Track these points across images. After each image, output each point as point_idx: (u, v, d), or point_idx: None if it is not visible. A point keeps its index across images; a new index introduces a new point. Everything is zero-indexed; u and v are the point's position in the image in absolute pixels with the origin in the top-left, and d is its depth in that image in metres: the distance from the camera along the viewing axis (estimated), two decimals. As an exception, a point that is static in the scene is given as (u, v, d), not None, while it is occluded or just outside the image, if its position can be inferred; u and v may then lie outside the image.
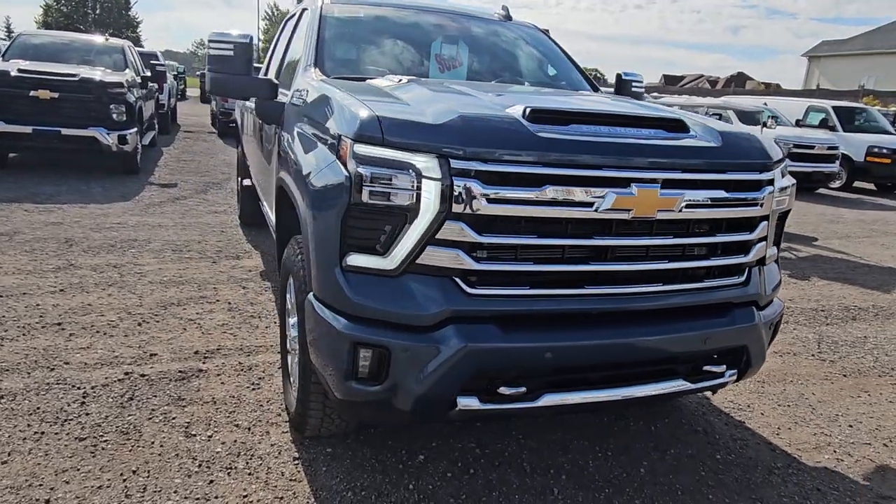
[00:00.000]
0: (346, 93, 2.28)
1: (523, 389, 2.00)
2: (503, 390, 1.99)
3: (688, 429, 2.96)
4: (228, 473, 2.38)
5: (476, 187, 1.85)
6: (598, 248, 2.01)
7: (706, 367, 2.25)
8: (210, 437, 2.61)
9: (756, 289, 2.34)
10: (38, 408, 2.72)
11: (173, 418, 2.73)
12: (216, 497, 2.25)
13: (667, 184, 2.02)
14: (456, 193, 1.85)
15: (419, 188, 1.86)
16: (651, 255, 2.10)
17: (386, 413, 2.11)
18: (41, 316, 3.69)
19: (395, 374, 1.94)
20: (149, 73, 10.20)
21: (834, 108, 13.99)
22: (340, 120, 2.06)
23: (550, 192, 1.90)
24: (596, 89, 3.62)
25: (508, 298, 1.97)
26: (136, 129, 8.52)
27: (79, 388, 2.90)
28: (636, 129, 2.12)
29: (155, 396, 2.89)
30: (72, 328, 3.56)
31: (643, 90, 3.91)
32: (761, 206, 2.23)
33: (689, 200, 2.05)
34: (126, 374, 3.08)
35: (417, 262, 1.92)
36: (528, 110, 2.04)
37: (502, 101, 2.21)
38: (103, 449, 2.48)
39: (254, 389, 3.03)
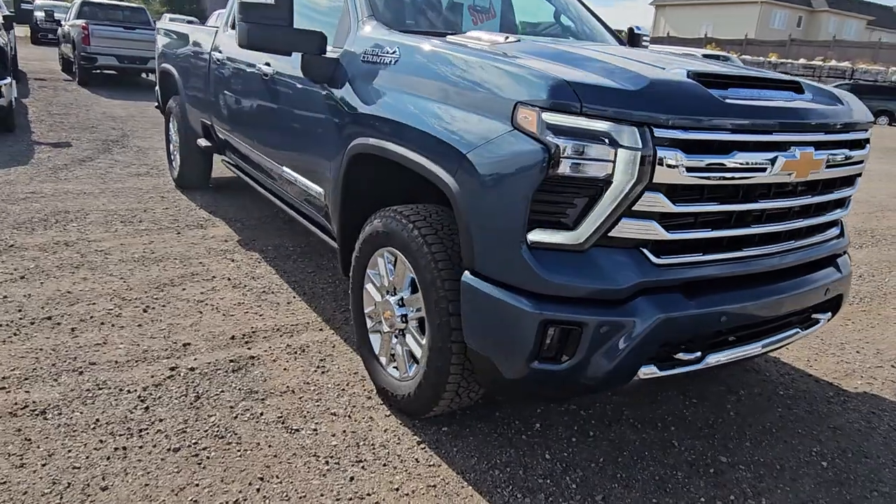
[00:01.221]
0: (503, 55, 2.08)
1: (698, 354, 2.03)
2: (681, 356, 2.02)
3: (739, 368, 3.18)
4: (363, 467, 2.22)
5: (679, 156, 1.81)
6: (762, 210, 2.06)
7: (814, 315, 2.42)
8: (315, 430, 2.41)
9: (847, 240, 2.53)
10: (97, 420, 2.35)
11: (261, 414, 2.48)
12: (368, 494, 2.10)
13: (818, 146, 2.09)
14: (659, 163, 1.79)
15: (617, 159, 1.78)
16: (796, 214, 2.19)
17: (560, 389, 2.06)
18: (19, 310, 3.15)
19: (584, 351, 1.89)
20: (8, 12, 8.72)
21: (704, 55, 15.13)
22: (516, 86, 1.89)
23: (738, 158, 1.90)
24: (622, 43, 3.63)
25: (689, 266, 1.98)
26: (10, 80, 7.32)
27: (130, 392, 2.54)
28: (774, 91, 2.17)
29: (222, 392, 2.60)
30: (68, 322, 3.07)
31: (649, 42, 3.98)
32: (863, 163, 2.39)
33: (830, 160, 2.15)
34: (171, 369, 2.74)
35: (609, 235, 1.85)
36: (692, 74, 2.00)
37: (649, 62, 2.15)
38: (209, 458, 2.20)
39: (323, 373, 2.82)
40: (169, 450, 2.23)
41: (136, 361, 2.78)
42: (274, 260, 4.15)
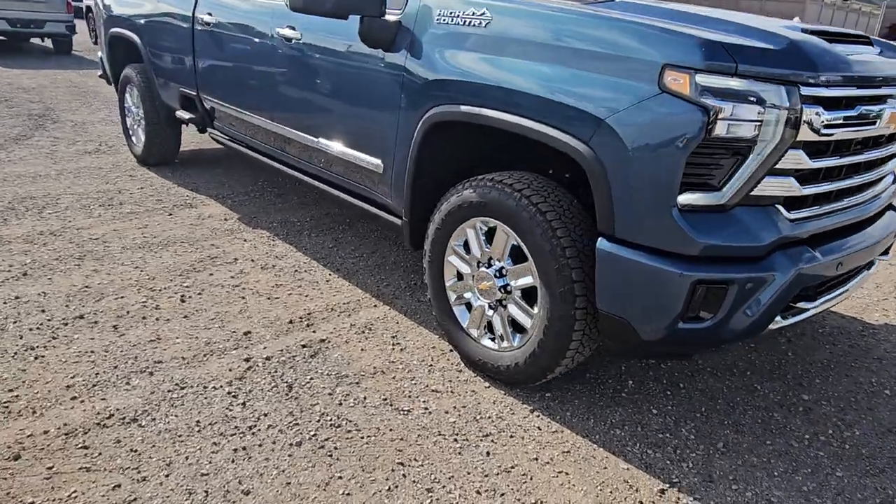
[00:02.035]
0: (636, 15, 2.03)
1: (818, 301, 2.14)
2: (802, 305, 2.12)
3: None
4: (492, 441, 2.21)
5: (820, 113, 1.86)
6: (868, 161, 2.17)
7: (880, 256, 2.60)
8: (426, 409, 2.36)
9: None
10: (198, 422, 2.20)
11: (364, 398, 2.40)
12: (512, 467, 2.09)
13: (905, 98, 2.21)
14: (804, 121, 1.84)
15: (766, 118, 1.81)
16: (880, 163, 2.32)
17: (694, 345, 2.12)
18: (42, 311, 2.85)
19: (727, 308, 1.95)
20: None
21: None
22: (663, 48, 1.85)
23: (861, 112, 1.98)
24: None
25: (813, 218, 2.06)
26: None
27: (216, 389, 2.38)
28: (859, 46, 2.26)
29: (312, 379, 2.49)
30: (105, 319, 2.82)
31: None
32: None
33: (910, 112, 2.28)
34: (246, 360, 2.58)
35: (751, 193, 1.90)
36: (809, 31, 2.05)
37: (755, 22, 2.17)
38: (336, 449, 2.12)
39: (402, 350, 2.75)
40: (291, 444, 2.12)
41: (205, 356, 2.60)
42: (287, 237, 3.96)
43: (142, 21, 4.68)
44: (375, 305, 3.14)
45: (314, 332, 2.85)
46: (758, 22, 2.17)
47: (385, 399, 2.40)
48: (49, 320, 2.78)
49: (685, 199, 1.87)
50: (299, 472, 1.99)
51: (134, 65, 5.06)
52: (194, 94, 4.28)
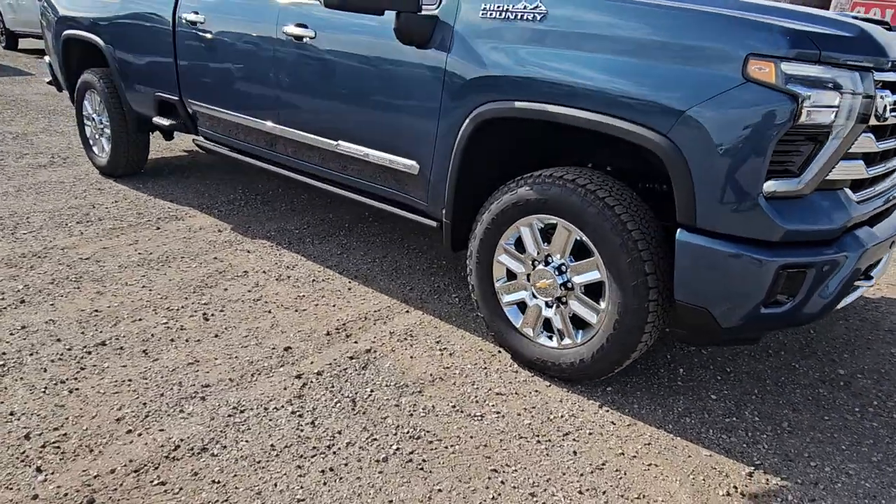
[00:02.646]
0: (727, 7, 2.04)
1: (872, 279, 2.25)
2: (859, 283, 2.22)
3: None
4: (574, 440, 2.21)
5: (888, 97, 1.95)
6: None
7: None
8: (498, 413, 2.33)
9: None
10: (272, 445, 2.08)
11: (433, 407, 2.34)
12: (603, 464, 2.09)
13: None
14: (875, 105, 1.92)
15: (842, 104, 1.88)
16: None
17: (768, 328, 2.17)
18: (58, 340, 2.64)
19: (805, 291, 2.01)
20: None
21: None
22: (745, 37, 1.88)
23: (913, 95, 2.08)
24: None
25: (872, 199, 2.16)
26: None
27: (278, 409, 2.27)
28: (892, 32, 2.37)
29: (372, 391, 2.41)
30: (130, 344, 2.64)
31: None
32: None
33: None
34: (298, 377, 2.47)
35: (827, 178, 1.97)
36: (864, 19, 2.14)
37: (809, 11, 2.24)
38: (425, 461, 2.06)
39: (451, 355, 2.70)
40: (378, 461, 2.04)
41: (252, 376, 2.47)
42: (291, 245, 3.81)
43: (106, 23, 4.38)
44: (407, 311, 3.07)
45: (356, 342, 2.75)
46: (805, 9, 2.24)
47: (454, 406, 2.34)
48: (69, 349, 2.57)
49: (770, 186, 1.91)
50: (397, 489, 1.92)
51: (95, 69, 4.74)
52: (176, 98, 4.05)
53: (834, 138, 1.91)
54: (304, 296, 3.17)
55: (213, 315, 2.92)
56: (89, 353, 2.55)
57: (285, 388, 2.39)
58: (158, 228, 3.99)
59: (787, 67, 1.83)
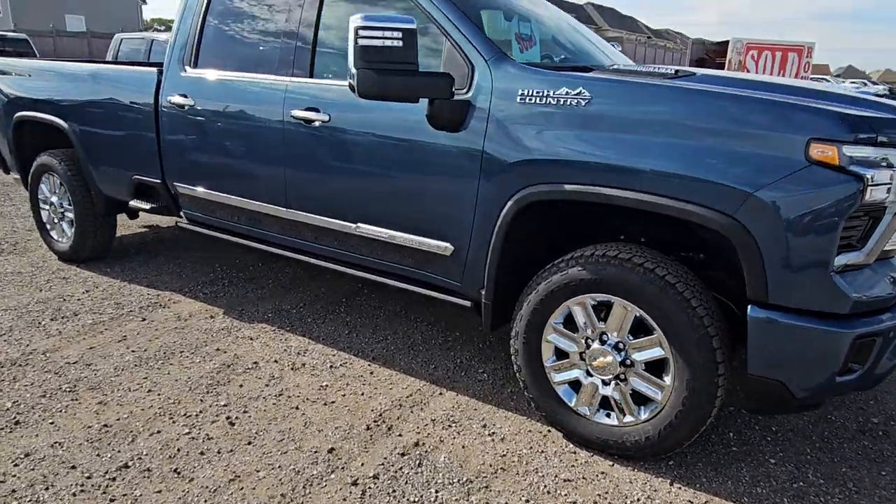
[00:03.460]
0: (772, 92, 2.11)
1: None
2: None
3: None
4: (660, 525, 2.15)
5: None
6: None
7: None
8: (575, 501, 2.25)
9: None
10: (354, 571, 1.91)
11: (506, 502, 2.23)
12: (698, 550, 2.04)
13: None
14: (920, 179, 2.03)
15: (895, 180, 1.98)
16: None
17: (835, 395, 2.21)
18: (72, 467, 2.38)
19: (874, 357, 2.07)
20: None
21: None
22: (806, 123, 1.95)
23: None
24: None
25: (914, 262, 2.27)
26: None
27: (342, 488, 2.10)
28: None
29: (437, 492, 2.28)
30: (157, 463, 2.40)
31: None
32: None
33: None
34: (353, 483, 2.32)
35: (884, 248, 2.05)
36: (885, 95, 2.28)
37: (842, 91, 2.37)
38: (522, 570, 1.94)
39: (502, 440, 2.61)
40: (474, 577, 1.91)
41: (304, 487, 2.29)
42: (293, 328, 3.64)
43: (72, 105, 4.13)
44: (440, 393, 2.96)
45: (400, 435, 2.62)
46: (837, 89, 2.37)
47: (528, 501, 2.24)
48: (88, 478, 2.31)
49: (839, 260, 1.97)
50: None
51: (54, 151, 4.46)
52: (157, 181, 3.84)
53: (889, 212, 2.00)
54: (327, 385, 3.00)
55: (237, 418, 2.71)
56: (113, 479, 2.30)
57: (345, 500, 2.22)
58: (144, 319, 3.71)
59: (849, 150, 1.91)
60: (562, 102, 2.34)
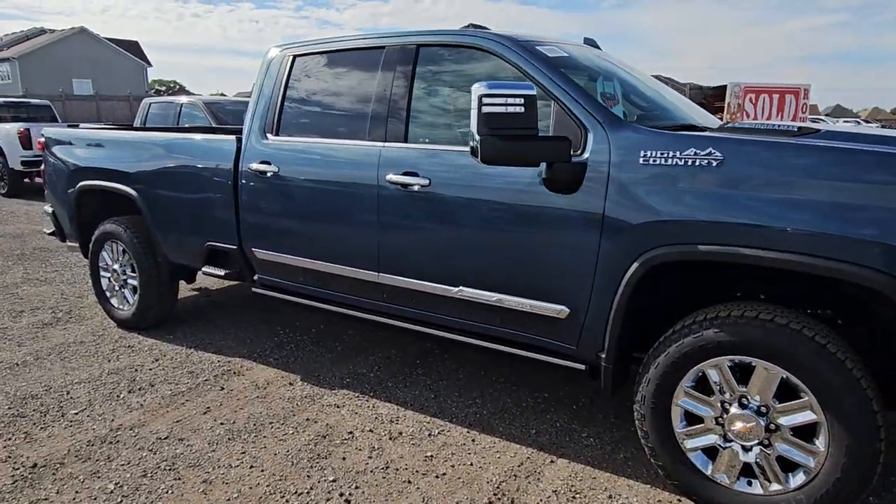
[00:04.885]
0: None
1: None
2: None
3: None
4: None
5: None
6: None
7: None
8: (733, 580, 2.13)
9: None
10: None
11: (663, 583, 2.12)
12: None
13: None
14: None
15: None
16: None
17: None
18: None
19: None
20: None
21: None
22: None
23: None
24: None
25: None
26: None
27: None
28: None
29: (586, 572, 2.16)
30: (284, 549, 2.28)
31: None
32: None
33: None
34: (496, 566, 2.19)
35: None
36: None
37: None
38: None
39: (633, 510, 2.50)
40: None
41: (447, 571, 2.17)
42: (377, 393, 3.55)
43: (142, 173, 4.13)
44: (552, 461, 2.85)
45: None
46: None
47: (685, 579, 2.13)
48: (217, 567, 2.18)
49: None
50: None
51: (118, 219, 4.45)
52: (233, 247, 3.81)
53: None
54: (431, 456, 2.90)
55: (352, 495, 2.60)
56: (244, 568, 2.18)
57: (494, 584, 2.10)
58: (222, 389, 3.63)
59: None
60: (691, 163, 2.33)
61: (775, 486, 2.32)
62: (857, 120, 44.05)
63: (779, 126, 2.60)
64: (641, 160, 2.43)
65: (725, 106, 27.09)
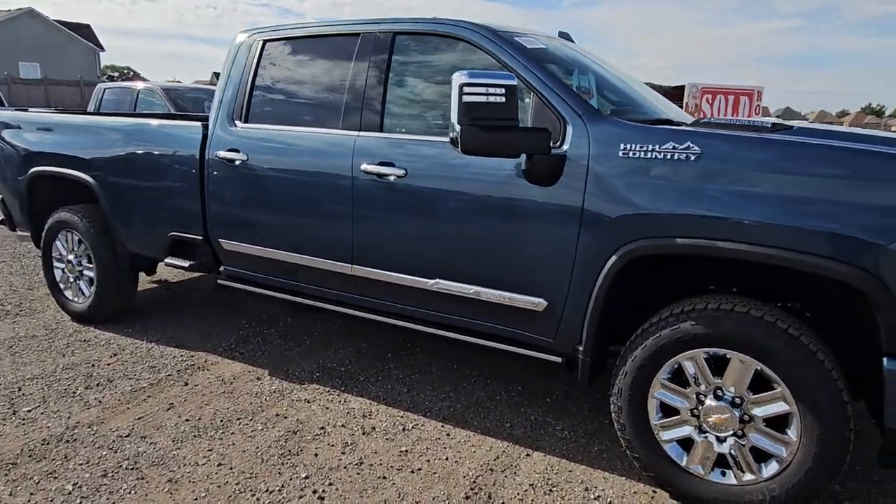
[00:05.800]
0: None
1: None
2: None
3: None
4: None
5: None
6: None
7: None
8: (709, 569, 2.16)
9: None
10: None
11: (641, 575, 2.13)
12: None
13: None
14: None
15: None
16: None
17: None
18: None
19: None
20: None
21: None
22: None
23: None
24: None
25: None
26: None
27: None
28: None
29: (566, 565, 2.16)
30: (257, 548, 2.22)
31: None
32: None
33: None
34: (476, 561, 2.17)
35: None
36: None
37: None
38: None
39: (609, 503, 2.51)
40: None
41: (426, 568, 2.13)
42: (347, 388, 3.48)
43: (100, 159, 3.96)
44: (527, 454, 2.85)
45: (503, 503, 2.49)
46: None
47: (663, 570, 2.14)
48: (186, 569, 2.10)
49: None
50: None
51: (73, 207, 4.26)
52: (199, 238, 3.69)
53: None
54: (406, 451, 2.86)
55: (325, 492, 2.54)
56: (215, 569, 2.10)
57: (474, 580, 2.08)
58: (186, 384, 3.51)
59: None
60: (670, 157, 2.33)
61: (749, 476, 2.35)
62: (806, 122, 45.48)
63: (754, 122, 2.63)
64: (621, 153, 2.43)
65: (683, 106, 27.67)
